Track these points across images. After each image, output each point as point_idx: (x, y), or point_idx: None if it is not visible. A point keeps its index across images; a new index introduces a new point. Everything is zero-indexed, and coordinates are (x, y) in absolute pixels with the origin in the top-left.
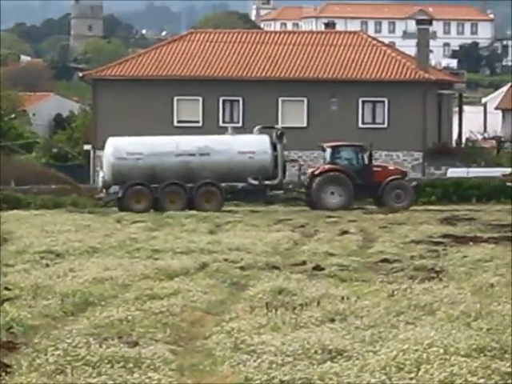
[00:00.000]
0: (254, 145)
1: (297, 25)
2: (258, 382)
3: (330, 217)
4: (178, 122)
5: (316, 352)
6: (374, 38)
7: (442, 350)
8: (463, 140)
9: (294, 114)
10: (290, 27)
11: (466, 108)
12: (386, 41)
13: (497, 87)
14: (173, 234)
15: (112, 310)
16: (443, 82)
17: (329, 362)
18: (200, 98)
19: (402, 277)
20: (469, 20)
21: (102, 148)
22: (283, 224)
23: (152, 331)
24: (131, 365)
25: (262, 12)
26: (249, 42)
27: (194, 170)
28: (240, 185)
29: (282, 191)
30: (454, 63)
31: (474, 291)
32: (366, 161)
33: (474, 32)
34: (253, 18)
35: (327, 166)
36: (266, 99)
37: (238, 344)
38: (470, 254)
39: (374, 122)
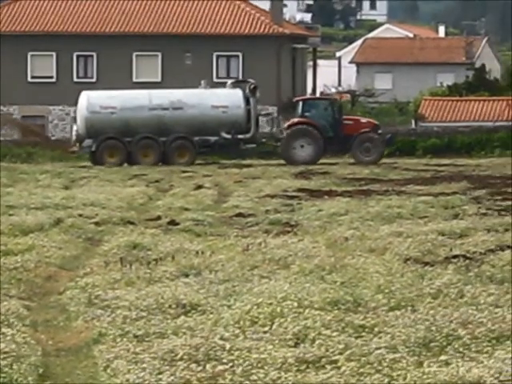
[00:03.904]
0: (227, 99)
1: None
2: (111, 336)
3: (185, 172)
4: (32, 77)
5: (170, 306)
6: None
7: (295, 304)
8: (318, 94)
9: (148, 68)
10: None
11: (320, 62)
12: None
13: (351, 41)
14: (27, 189)
15: None
16: (297, 36)
17: (183, 317)
18: (54, 54)
19: (257, 231)
20: None
21: None
22: (138, 179)
23: (6, 287)
24: None
25: None
26: None
27: (167, 123)
28: (213, 139)
29: (255, 145)
30: (308, 17)
31: (329, 245)
32: (337, 114)
33: None
34: None
35: (296, 119)
36: (120, 54)
37: (92, 299)
38: (325, 208)
39: (228, 77)
